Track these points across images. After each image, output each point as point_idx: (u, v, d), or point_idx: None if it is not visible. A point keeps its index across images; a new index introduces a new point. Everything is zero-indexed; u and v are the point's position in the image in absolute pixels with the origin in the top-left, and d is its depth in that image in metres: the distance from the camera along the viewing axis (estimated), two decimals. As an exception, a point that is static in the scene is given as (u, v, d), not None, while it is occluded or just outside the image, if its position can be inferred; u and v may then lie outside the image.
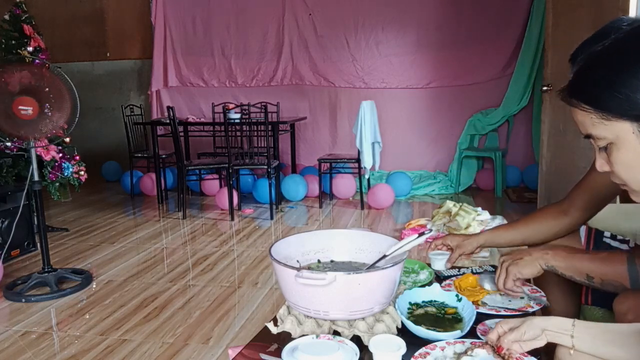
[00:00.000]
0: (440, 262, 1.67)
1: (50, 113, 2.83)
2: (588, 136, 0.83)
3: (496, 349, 1.00)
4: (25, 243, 3.62)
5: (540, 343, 0.95)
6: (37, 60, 3.76)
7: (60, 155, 3.89)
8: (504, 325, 1.01)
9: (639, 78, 0.73)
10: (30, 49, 3.94)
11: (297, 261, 1.37)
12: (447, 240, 1.61)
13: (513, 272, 1.26)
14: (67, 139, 3.97)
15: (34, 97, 2.76)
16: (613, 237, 1.46)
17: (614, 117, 0.76)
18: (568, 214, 1.42)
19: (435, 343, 1.11)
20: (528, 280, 1.51)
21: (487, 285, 1.45)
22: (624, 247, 1.41)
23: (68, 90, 2.89)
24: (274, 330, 1.22)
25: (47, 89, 2.81)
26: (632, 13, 2.67)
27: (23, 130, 2.80)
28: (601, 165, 0.83)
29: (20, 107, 2.72)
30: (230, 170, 4.53)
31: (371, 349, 1.05)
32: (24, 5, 4.09)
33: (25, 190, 3.22)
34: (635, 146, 0.76)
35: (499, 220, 3.78)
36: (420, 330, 1.16)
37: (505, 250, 1.51)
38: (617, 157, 0.79)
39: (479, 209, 3.87)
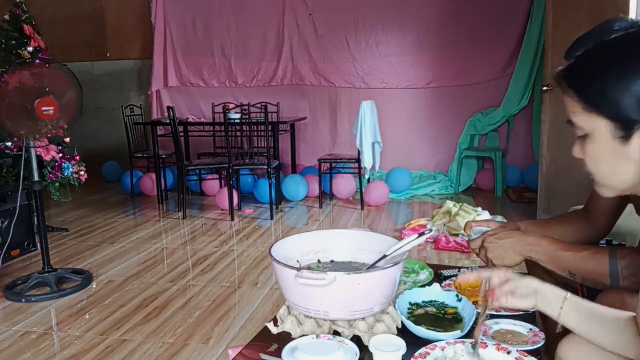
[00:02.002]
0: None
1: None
2: (569, 122, 0.86)
3: (487, 293, 1.00)
4: (25, 243, 3.62)
5: (527, 304, 0.97)
6: (37, 60, 3.76)
7: (60, 155, 3.89)
8: (503, 273, 1.00)
9: (627, 84, 0.75)
10: (30, 49, 3.94)
11: (297, 261, 1.37)
12: (489, 224, 1.53)
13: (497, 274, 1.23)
14: (67, 139, 3.97)
15: (54, 96, 2.81)
16: (608, 242, 1.46)
17: (595, 111, 0.79)
18: (591, 220, 1.40)
19: (435, 343, 1.11)
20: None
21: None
22: None
23: (73, 88, 2.91)
24: (274, 330, 1.22)
25: (58, 88, 2.84)
26: (632, 13, 2.67)
27: (45, 130, 2.83)
28: (575, 151, 0.87)
29: (43, 108, 2.75)
30: (230, 170, 4.52)
31: (371, 349, 1.05)
32: (24, 5, 4.08)
33: (20, 190, 3.23)
34: (606, 144, 0.80)
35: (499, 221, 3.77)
36: (420, 330, 1.16)
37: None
38: (589, 149, 0.83)
39: (479, 209, 3.87)
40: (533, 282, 0.98)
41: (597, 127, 0.80)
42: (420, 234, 1.25)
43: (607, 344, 0.87)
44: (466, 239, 1.63)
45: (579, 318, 0.92)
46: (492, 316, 1.30)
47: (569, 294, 0.95)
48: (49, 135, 2.94)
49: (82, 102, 2.95)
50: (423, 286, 1.43)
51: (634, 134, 0.77)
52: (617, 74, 0.77)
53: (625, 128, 0.77)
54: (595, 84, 0.79)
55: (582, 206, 1.49)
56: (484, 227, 1.46)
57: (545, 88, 3.83)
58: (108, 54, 6.65)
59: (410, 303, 1.34)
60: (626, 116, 0.76)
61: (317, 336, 1.15)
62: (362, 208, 4.76)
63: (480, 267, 1.67)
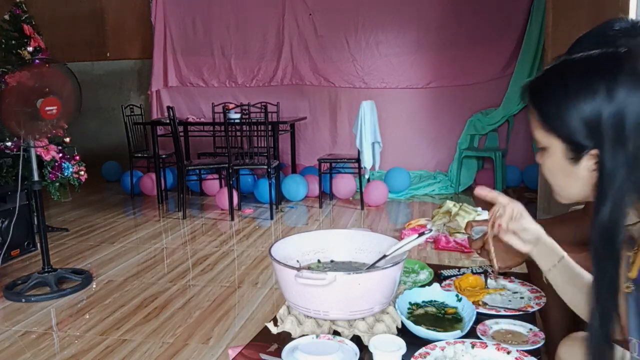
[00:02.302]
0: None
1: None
2: (532, 134, 0.90)
3: (493, 225, 1.01)
4: (25, 243, 3.62)
5: (523, 248, 0.99)
6: (36, 60, 3.76)
7: (60, 155, 3.89)
8: (517, 208, 0.99)
9: (578, 109, 0.77)
10: (30, 49, 3.94)
11: (297, 261, 1.37)
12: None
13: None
14: (67, 139, 3.97)
15: (56, 96, 2.82)
16: None
17: (551, 131, 0.83)
18: (589, 219, 1.40)
19: (435, 343, 1.11)
20: (528, 280, 1.51)
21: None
22: None
23: (72, 87, 2.91)
24: (274, 330, 1.22)
25: (59, 87, 2.85)
26: (632, 13, 2.67)
27: (46, 130, 2.84)
28: (537, 158, 0.91)
29: (47, 108, 2.77)
30: (230, 170, 4.52)
31: (371, 349, 1.05)
32: (24, 5, 4.08)
33: (19, 190, 3.23)
34: (559, 161, 0.83)
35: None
36: (420, 330, 1.16)
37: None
38: (546, 162, 0.87)
39: (479, 209, 3.87)
40: (539, 231, 0.99)
41: (552, 145, 0.84)
42: (420, 234, 1.25)
43: (583, 311, 0.91)
44: (468, 237, 1.61)
45: (566, 279, 0.96)
46: (492, 316, 1.30)
47: (566, 255, 0.97)
48: (49, 135, 2.94)
49: (82, 101, 2.94)
50: (423, 286, 1.43)
51: (583, 157, 0.79)
52: (570, 97, 0.78)
53: (575, 151, 0.80)
54: (552, 105, 0.81)
55: (582, 206, 1.49)
56: (485, 227, 1.46)
57: (545, 88, 3.82)
58: (108, 54, 6.65)
59: (410, 303, 1.33)
60: (576, 140, 0.79)
61: (317, 336, 1.15)
62: (362, 208, 4.76)
63: (482, 271, 1.68)
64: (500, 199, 1.01)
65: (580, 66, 0.81)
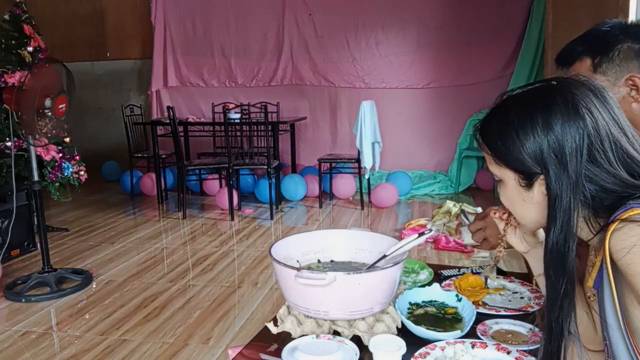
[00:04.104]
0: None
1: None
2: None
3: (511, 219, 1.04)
4: (25, 243, 3.62)
5: (521, 248, 1.04)
6: (37, 60, 3.76)
7: (60, 155, 3.89)
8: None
9: (523, 140, 0.83)
10: (30, 49, 3.94)
11: (297, 261, 1.37)
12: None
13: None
14: (67, 139, 3.97)
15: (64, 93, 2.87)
16: None
17: (502, 164, 0.88)
18: None
19: (435, 343, 1.11)
20: (528, 280, 1.51)
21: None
22: None
23: (70, 85, 2.94)
24: (274, 330, 1.22)
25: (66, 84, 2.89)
26: (632, 13, 2.67)
27: (45, 130, 2.86)
28: (498, 191, 0.96)
29: (60, 106, 2.81)
30: (230, 170, 4.52)
31: (371, 349, 1.05)
32: (24, 5, 4.09)
33: (14, 190, 3.24)
34: (514, 189, 0.89)
35: (499, 220, 3.77)
36: (420, 330, 1.16)
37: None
38: (503, 193, 0.92)
39: (479, 209, 3.87)
40: (541, 233, 1.01)
41: (506, 176, 0.89)
42: (420, 234, 1.25)
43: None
44: (457, 224, 1.61)
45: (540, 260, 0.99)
46: (492, 316, 1.30)
47: (539, 276, 1.00)
48: (49, 135, 2.95)
49: (73, 97, 2.98)
50: (423, 286, 1.43)
51: (535, 183, 0.85)
52: (512, 133, 0.84)
53: (527, 178, 0.86)
54: (500, 140, 0.86)
55: None
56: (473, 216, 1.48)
57: (545, 88, 3.82)
58: (108, 54, 6.65)
59: (410, 303, 1.33)
60: (526, 170, 0.84)
61: (317, 336, 1.15)
62: (362, 208, 4.76)
63: (483, 271, 1.68)
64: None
65: (518, 102, 0.87)
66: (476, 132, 0.94)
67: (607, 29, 1.16)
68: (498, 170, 0.90)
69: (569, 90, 0.82)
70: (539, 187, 0.85)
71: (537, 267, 1.02)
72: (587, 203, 0.81)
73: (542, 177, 0.84)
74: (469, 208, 3.83)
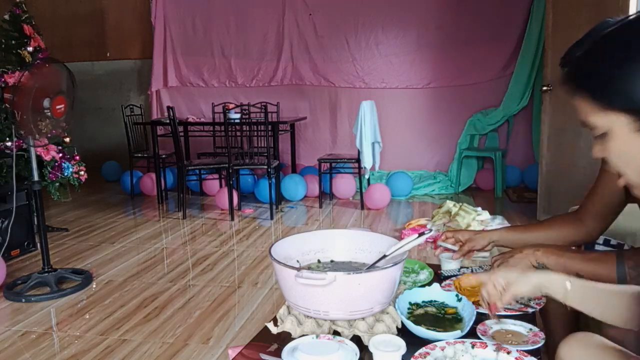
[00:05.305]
0: (451, 264, 1.65)
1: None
2: (584, 123, 0.83)
3: (490, 307, 1.04)
4: (25, 243, 3.62)
5: (531, 294, 1.02)
6: (37, 60, 3.76)
7: (60, 155, 3.89)
8: (500, 279, 1.03)
9: (635, 73, 0.73)
10: (30, 49, 3.94)
11: (297, 261, 1.37)
12: (458, 235, 1.54)
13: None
14: (67, 139, 3.97)
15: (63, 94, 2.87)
16: (606, 242, 1.46)
17: (609, 108, 0.77)
18: (584, 222, 1.40)
19: (435, 343, 1.11)
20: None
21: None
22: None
23: (70, 85, 2.94)
24: (274, 330, 1.22)
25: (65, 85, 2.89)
26: (632, 13, 2.67)
27: (45, 130, 2.86)
28: (596, 152, 0.84)
29: (57, 107, 2.81)
30: (230, 170, 4.52)
31: (371, 349, 1.05)
32: (24, 5, 4.08)
33: (15, 191, 3.24)
34: (627, 139, 0.77)
35: (499, 220, 3.78)
36: (420, 330, 1.16)
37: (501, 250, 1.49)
38: (611, 147, 0.80)
39: (479, 209, 3.87)
40: (532, 279, 1.00)
41: (614, 124, 0.77)
42: (420, 234, 1.25)
43: (620, 320, 0.88)
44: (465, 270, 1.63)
45: (585, 300, 0.94)
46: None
47: (569, 280, 0.96)
48: (48, 135, 2.95)
49: (74, 98, 2.97)
50: (423, 286, 1.43)
51: None
52: (622, 65, 0.74)
53: None
54: (603, 80, 0.76)
55: (577, 207, 1.49)
56: (450, 244, 1.53)
57: (545, 88, 3.82)
58: (108, 54, 6.66)
59: (410, 303, 1.33)
60: None
61: (317, 336, 1.15)
62: (362, 208, 4.76)
63: (482, 271, 1.68)
64: (481, 277, 1.05)
65: (620, 35, 0.78)
66: (566, 80, 0.83)
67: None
68: (603, 119, 0.79)
69: None
70: None
71: (556, 293, 0.96)
72: None
73: None
74: (468, 208, 3.83)
